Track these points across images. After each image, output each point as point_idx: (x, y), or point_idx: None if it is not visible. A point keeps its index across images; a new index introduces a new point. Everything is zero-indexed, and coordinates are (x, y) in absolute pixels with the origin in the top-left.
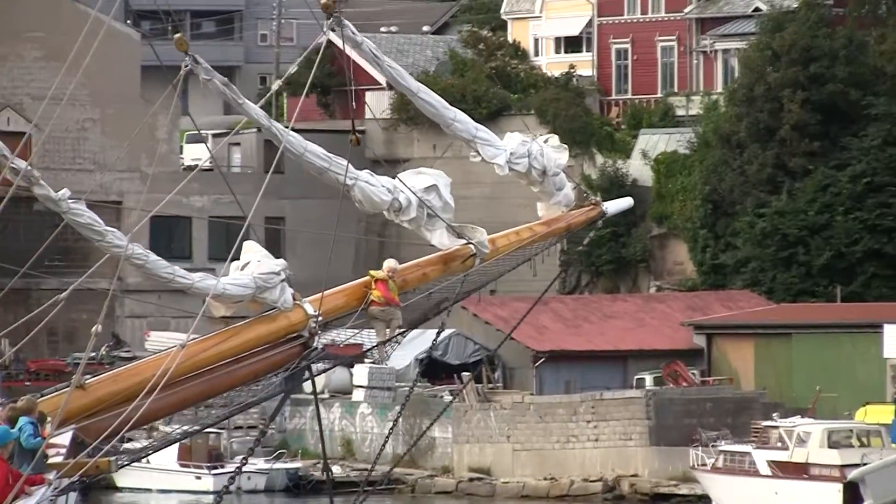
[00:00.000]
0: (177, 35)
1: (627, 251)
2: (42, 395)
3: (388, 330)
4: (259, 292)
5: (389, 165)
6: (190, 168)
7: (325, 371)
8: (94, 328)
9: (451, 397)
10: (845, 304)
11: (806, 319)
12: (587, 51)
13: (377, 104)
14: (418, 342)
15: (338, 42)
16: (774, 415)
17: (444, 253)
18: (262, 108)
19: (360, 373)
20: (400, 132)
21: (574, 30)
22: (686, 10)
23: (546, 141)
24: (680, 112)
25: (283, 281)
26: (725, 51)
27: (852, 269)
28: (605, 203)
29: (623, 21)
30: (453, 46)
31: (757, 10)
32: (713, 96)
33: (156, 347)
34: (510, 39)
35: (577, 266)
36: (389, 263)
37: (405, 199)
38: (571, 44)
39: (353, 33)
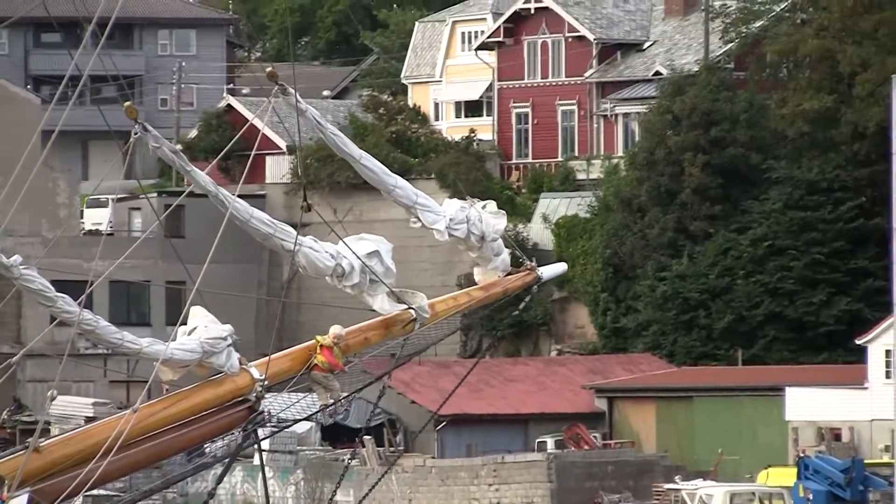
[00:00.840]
0: (126, 103)
1: (528, 315)
2: None
3: (328, 395)
4: (206, 357)
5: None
6: (91, 233)
7: (271, 435)
8: (49, 392)
9: (353, 460)
10: (746, 368)
11: (707, 382)
12: (487, 115)
13: (277, 168)
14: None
15: (237, 106)
16: (676, 477)
17: (386, 318)
18: (161, 172)
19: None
20: (300, 196)
21: (474, 94)
22: (586, 75)
23: (484, 207)
24: (580, 176)
25: (229, 346)
26: (626, 114)
27: (753, 332)
28: (540, 268)
29: (523, 85)
30: (353, 111)
31: (657, 73)
32: (614, 160)
33: (59, 412)
34: (410, 104)
35: (478, 330)
36: (335, 330)
37: (348, 264)
38: (472, 108)
39: (298, 101)
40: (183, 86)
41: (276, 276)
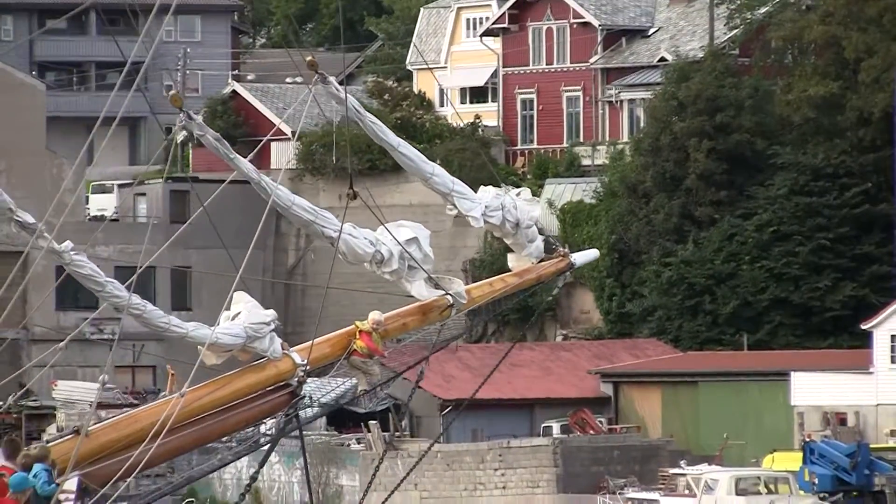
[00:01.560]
0: (172, 92)
1: (534, 300)
2: (48, 443)
3: (367, 380)
4: (249, 342)
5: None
6: (96, 218)
7: (313, 419)
8: (101, 377)
9: (358, 446)
10: (752, 353)
11: (713, 367)
12: (493, 101)
13: (282, 154)
14: (322, 391)
15: (242, 92)
16: (682, 462)
17: (423, 303)
18: (166, 157)
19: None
20: (306, 182)
21: (479, 80)
22: (591, 61)
23: (518, 194)
24: (586, 162)
25: (272, 331)
26: (631, 100)
27: (759, 317)
28: (572, 255)
29: (528, 71)
30: (359, 97)
31: (662, 60)
32: (619, 146)
33: (63, 397)
34: (416, 90)
35: (483, 315)
36: (374, 316)
37: (387, 251)
38: (477, 94)
39: (337, 89)
40: (188, 72)
41: (282, 261)
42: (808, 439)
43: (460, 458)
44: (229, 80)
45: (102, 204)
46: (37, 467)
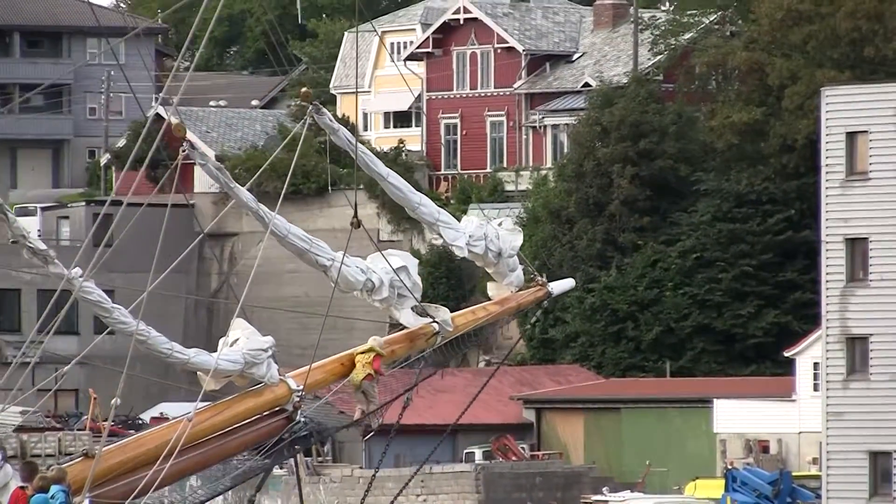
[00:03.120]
0: (175, 122)
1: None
2: (59, 464)
3: (370, 402)
4: (248, 367)
5: (218, 239)
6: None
7: (310, 445)
8: (113, 401)
9: (281, 471)
10: (675, 379)
11: (635, 394)
12: (416, 126)
13: (206, 178)
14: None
15: (165, 114)
16: (604, 489)
17: (411, 331)
18: (89, 181)
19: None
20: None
21: (403, 105)
22: (515, 86)
23: (500, 224)
24: (509, 187)
25: (269, 357)
26: (555, 126)
27: (681, 344)
28: (550, 283)
29: (452, 96)
30: (282, 120)
31: (586, 85)
32: (542, 171)
33: None
34: (339, 114)
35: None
36: (379, 340)
37: (378, 279)
38: (400, 119)
39: (330, 120)
40: (112, 94)
41: (205, 285)
42: (730, 467)
43: (382, 484)
44: (153, 104)
45: (25, 227)
46: (54, 488)
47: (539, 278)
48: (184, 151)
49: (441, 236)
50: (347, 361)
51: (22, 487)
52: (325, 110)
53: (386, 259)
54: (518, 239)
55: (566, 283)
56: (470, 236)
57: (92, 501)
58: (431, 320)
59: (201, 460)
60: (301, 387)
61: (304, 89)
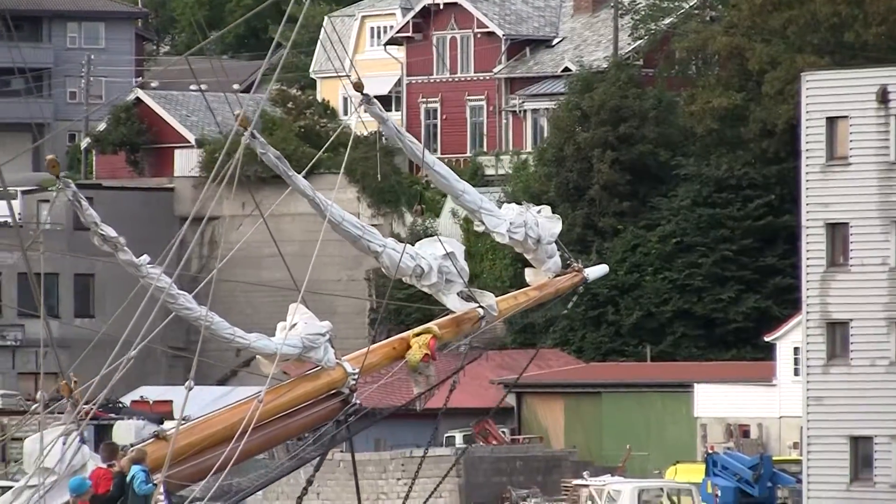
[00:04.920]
0: (238, 112)
1: (437, 308)
2: (132, 446)
3: (426, 381)
4: (306, 352)
5: (198, 223)
6: None
7: (365, 427)
8: (187, 383)
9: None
10: (655, 364)
11: (616, 378)
12: (396, 110)
13: (186, 162)
14: (226, 399)
15: (146, 99)
16: (585, 473)
17: (457, 315)
18: (70, 165)
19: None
20: (209, 190)
21: (383, 89)
22: (495, 70)
23: (539, 211)
24: (489, 171)
25: (327, 341)
26: (535, 110)
27: (662, 328)
28: (585, 269)
29: (432, 80)
30: (263, 105)
31: (566, 70)
32: (522, 156)
33: None
34: (319, 98)
35: (386, 323)
36: (436, 324)
37: (426, 265)
38: (380, 103)
39: (380, 110)
40: (92, 79)
41: (185, 269)
42: (710, 451)
43: (363, 468)
44: (133, 87)
45: (2, 210)
46: (134, 468)
47: (576, 264)
48: (246, 140)
49: (483, 223)
50: (399, 345)
51: (109, 466)
52: (374, 100)
53: (444, 245)
54: (557, 226)
55: (601, 269)
56: (511, 223)
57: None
58: (477, 305)
59: (264, 441)
60: (357, 370)
61: (354, 80)
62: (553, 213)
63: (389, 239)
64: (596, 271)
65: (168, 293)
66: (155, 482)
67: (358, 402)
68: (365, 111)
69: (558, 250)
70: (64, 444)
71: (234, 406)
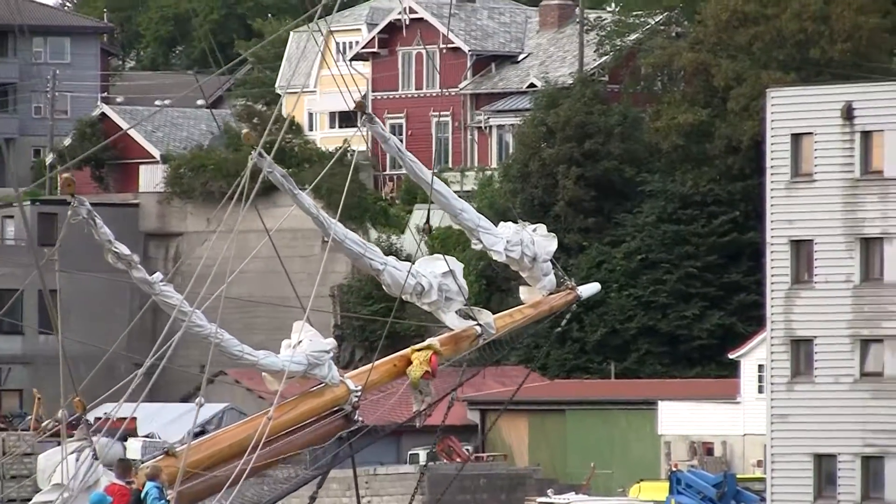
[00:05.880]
0: (245, 131)
1: (402, 326)
2: (142, 462)
3: (424, 399)
4: (310, 369)
5: (163, 239)
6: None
7: (368, 445)
8: (197, 400)
9: None
10: (619, 381)
11: (580, 396)
12: (362, 126)
13: (151, 177)
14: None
15: (111, 114)
16: (549, 491)
17: (456, 333)
18: (34, 180)
19: (134, 447)
20: (174, 206)
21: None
22: (460, 86)
23: (535, 230)
24: (455, 187)
25: (330, 358)
26: (500, 126)
27: (626, 345)
28: (578, 288)
29: (397, 96)
30: (227, 120)
31: (532, 86)
32: (488, 172)
33: None
34: (284, 114)
35: (351, 341)
36: (437, 341)
37: (427, 283)
38: (346, 118)
39: (382, 129)
40: (57, 94)
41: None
42: (674, 469)
43: (327, 485)
44: (98, 103)
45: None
46: (149, 485)
47: (569, 282)
48: (253, 160)
49: (480, 241)
50: (400, 362)
51: (127, 483)
52: (377, 119)
53: (447, 262)
54: (552, 245)
55: (593, 287)
56: (508, 241)
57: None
58: (475, 323)
59: (270, 457)
60: (359, 387)
61: (358, 99)
62: None
63: (390, 257)
64: (588, 289)
65: (180, 310)
66: (168, 498)
67: (360, 419)
68: (367, 130)
69: (553, 268)
70: (77, 459)
71: (241, 423)
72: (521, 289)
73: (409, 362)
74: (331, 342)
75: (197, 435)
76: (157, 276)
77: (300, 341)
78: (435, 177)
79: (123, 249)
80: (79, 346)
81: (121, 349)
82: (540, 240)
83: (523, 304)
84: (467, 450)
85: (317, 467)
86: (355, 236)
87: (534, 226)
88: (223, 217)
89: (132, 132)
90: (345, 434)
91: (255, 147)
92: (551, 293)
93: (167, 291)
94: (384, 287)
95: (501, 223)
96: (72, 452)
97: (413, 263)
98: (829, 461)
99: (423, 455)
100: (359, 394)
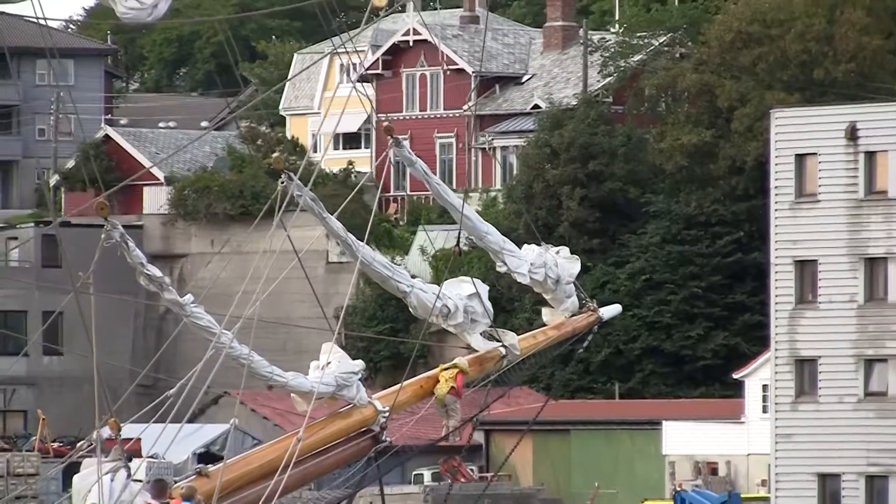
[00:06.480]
0: (275, 155)
1: (406, 347)
2: (175, 482)
3: (452, 417)
4: (339, 390)
5: (167, 260)
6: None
7: (397, 466)
8: (232, 420)
9: None
10: (624, 401)
11: (584, 416)
12: (366, 147)
13: (154, 199)
14: (196, 437)
15: (115, 136)
16: None
17: (481, 354)
18: (39, 202)
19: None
20: (178, 227)
21: (352, 126)
22: (465, 107)
23: (558, 252)
24: None
25: (359, 379)
26: (504, 147)
27: (630, 366)
28: (600, 309)
29: (402, 117)
30: (231, 142)
31: (536, 107)
32: (492, 193)
33: None
34: (289, 135)
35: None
36: (465, 360)
37: (453, 305)
38: (350, 140)
39: (409, 153)
40: (61, 116)
41: (153, 306)
42: (679, 489)
43: None
44: (102, 125)
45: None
46: None
47: (591, 304)
48: (283, 183)
49: (505, 264)
50: (427, 383)
51: None
52: (403, 143)
53: (476, 287)
54: (575, 267)
55: (614, 309)
56: (531, 264)
57: None
58: (500, 344)
59: (301, 477)
60: (387, 408)
61: (385, 123)
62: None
63: (417, 280)
64: (610, 311)
65: (210, 331)
66: None
67: (388, 439)
68: (396, 155)
69: (575, 290)
70: (112, 480)
71: (271, 444)
72: (544, 310)
73: (437, 382)
74: (359, 363)
75: (201, 455)
76: (189, 297)
77: (329, 362)
78: (464, 203)
79: (155, 272)
80: (85, 364)
81: (140, 370)
82: (563, 262)
83: (545, 325)
84: (471, 470)
85: (346, 488)
86: (382, 258)
87: (557, 248)
88: (226, 239)
89: (136, 153)
90: (373, 454)
91: (285, 171)
92: (573, 315)
93: (198, 313)
94: (410, 309)
95: (525, 246)
96: (106, 473)
97: (441, 286)
98: (834, 481)
99: (427, 475)
100: (386, 414)
